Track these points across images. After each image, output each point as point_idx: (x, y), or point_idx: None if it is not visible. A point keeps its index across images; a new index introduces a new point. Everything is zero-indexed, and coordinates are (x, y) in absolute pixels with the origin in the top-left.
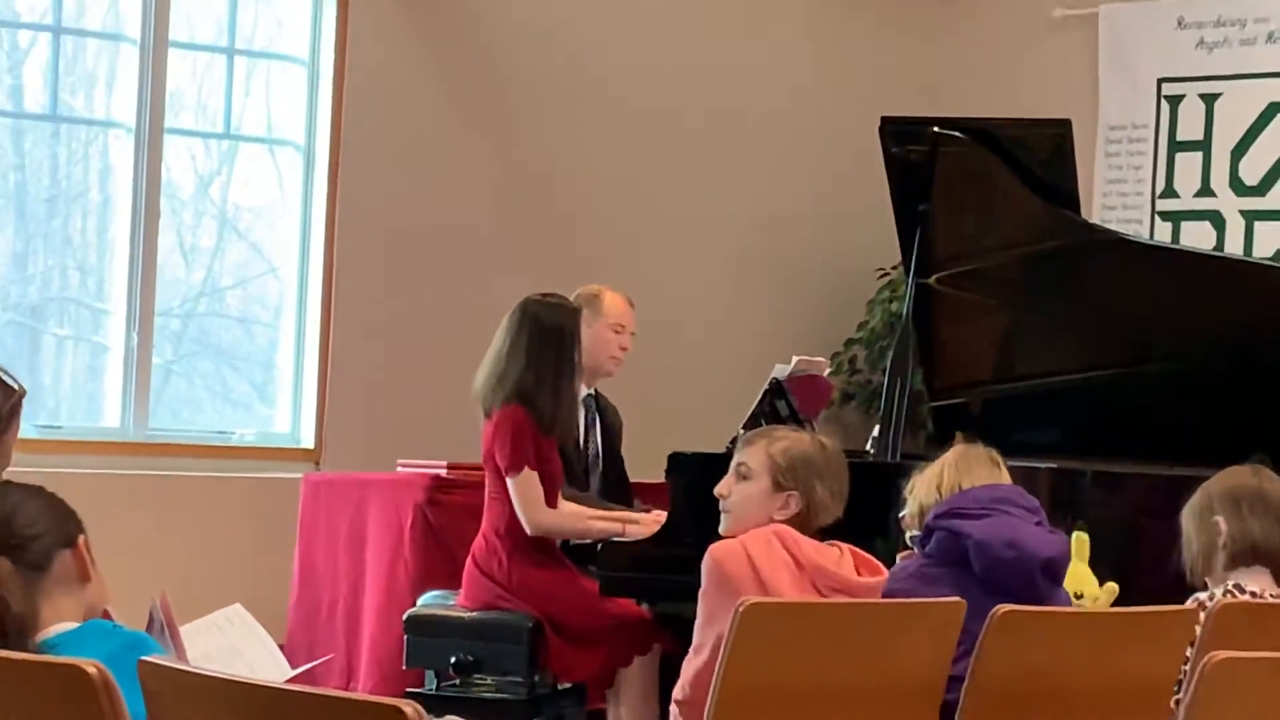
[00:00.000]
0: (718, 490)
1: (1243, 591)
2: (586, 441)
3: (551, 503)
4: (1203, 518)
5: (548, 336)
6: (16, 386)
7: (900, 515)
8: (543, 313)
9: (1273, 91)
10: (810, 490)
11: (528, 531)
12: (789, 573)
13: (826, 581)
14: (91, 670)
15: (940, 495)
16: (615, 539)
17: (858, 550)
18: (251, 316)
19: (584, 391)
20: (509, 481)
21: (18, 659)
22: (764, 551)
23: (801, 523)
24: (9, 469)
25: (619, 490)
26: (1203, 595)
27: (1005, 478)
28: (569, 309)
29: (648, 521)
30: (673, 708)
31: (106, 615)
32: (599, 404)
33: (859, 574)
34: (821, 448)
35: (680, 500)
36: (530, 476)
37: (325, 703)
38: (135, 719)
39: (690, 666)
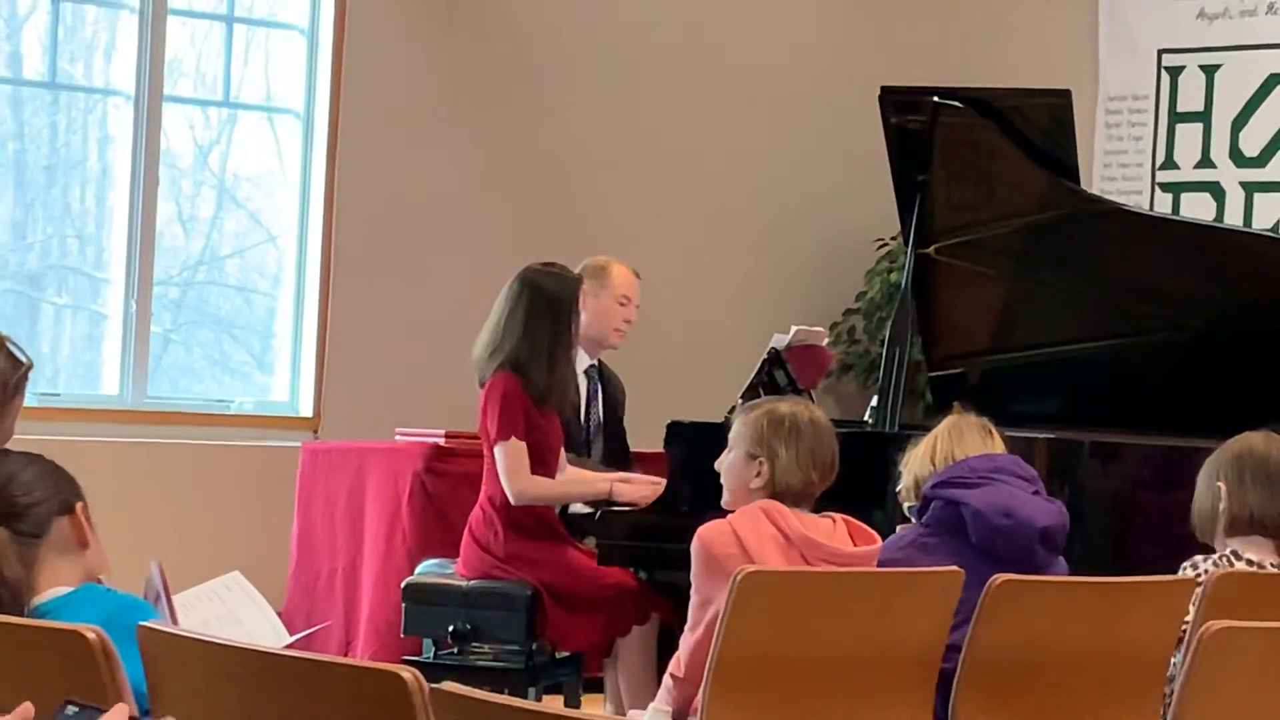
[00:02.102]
0: (716, 464)
1: (1239, 558)
2: (588, 412)
3: (548, 472)
4: (1209, 480)
5: (545, 306)
6: (24, 359)
7: (896, 490)
8: (542, 282)
9: (1273, 63)
10: (773, 456)
11: (511, 501)
12: (777, 547)
13: (816, 553)
14: (91, 636)
15: (934, 467)
16: (613, 508)
17: (851, 519)
18: (250, 285)
19: (587, 362)
20: (495, 449)
21: (16, 624)
22: (751, 528)
23: (777, 491)
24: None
25: (620, 460)
26: (1199, 559)
27: (998, 445)
28: (568, 279)
29: (639, 481)
30: (666, 679)
31: (100, 583)
32: (602, 375)
33: (854, 543)
34: (799, 414)
35: (678, 469)
36: (516, 446)
37: (325, 668)
38: (133, 681)
39: (685, 644)
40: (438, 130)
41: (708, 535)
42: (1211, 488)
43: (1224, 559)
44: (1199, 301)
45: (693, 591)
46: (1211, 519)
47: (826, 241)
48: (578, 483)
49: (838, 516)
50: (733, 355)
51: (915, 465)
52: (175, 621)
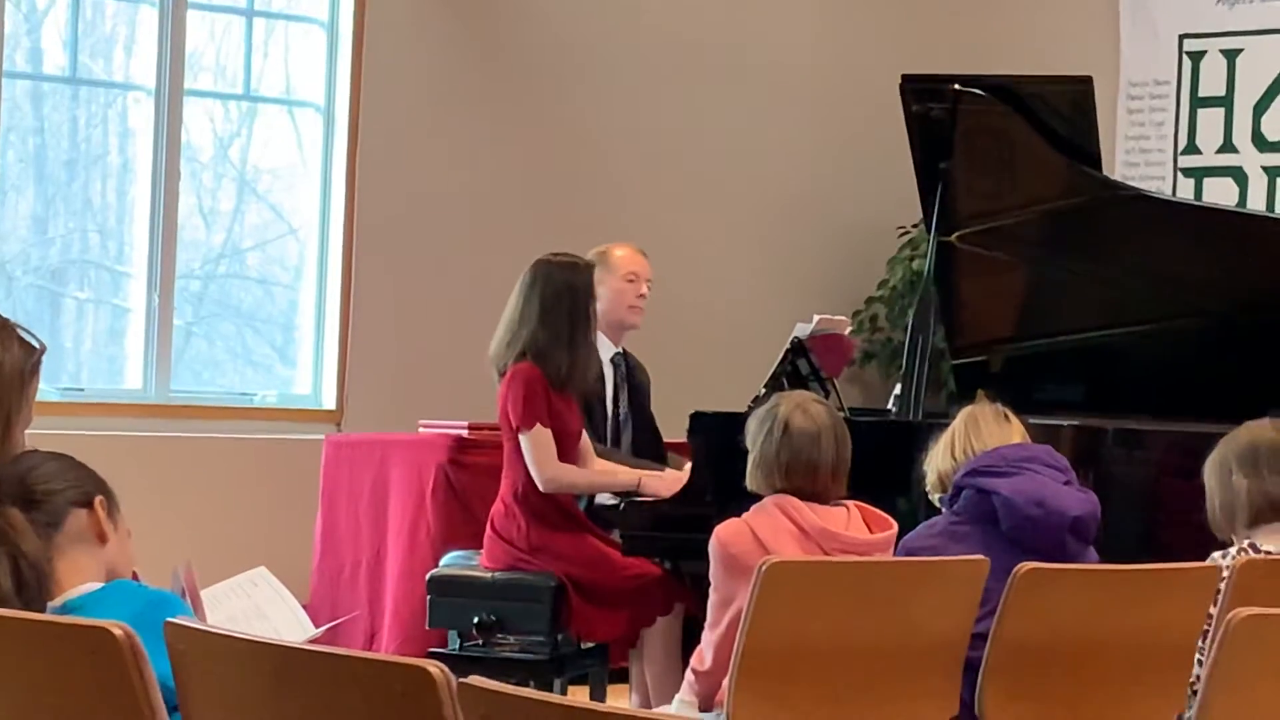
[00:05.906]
0: None
1: (1257, 550)
2: (616, 403)
3: (568, 458)
4: (1222, 475)
5: (559, 294)
6: (37, 344)
7: (925, 489)
8: (554, 271)
9: None
10: (749, 453)
11: (541, 488)
12: (794, 540)
13: (833, 544)
14: (118, 632)
15: (955, 460)
16: (637, 497)
17: (866, 506)
18: (272, 278)
19: (611, 350)
20: (521, 438)
21: (44, 620)
22: (767, 523)
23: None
24: (28, 429)
25: (652, 448)
26: (1218, 554)
27: (1016, 430)
28: (581, 265)
29: (667, 477)
30: (688, 674)
31: (135, 578)
32: (628, 363)
33: (870, 530)
34: (779, 415)
35: (702, 459)
36: (542, 433)
37: (352, 663)
38: (160, 677)
39: (709, 639)
40: (458, 122)
41: (725, 534)
42: (1225, 484)
43: (1242, 551)
44: (1222, 287)
45: (712, 590)
46: (1230, 513)
47: (848, 230)
48: (607, 473)
49: (852, 504)
50: (757, 344)
51: (937, 461)
52: (203, 618)
